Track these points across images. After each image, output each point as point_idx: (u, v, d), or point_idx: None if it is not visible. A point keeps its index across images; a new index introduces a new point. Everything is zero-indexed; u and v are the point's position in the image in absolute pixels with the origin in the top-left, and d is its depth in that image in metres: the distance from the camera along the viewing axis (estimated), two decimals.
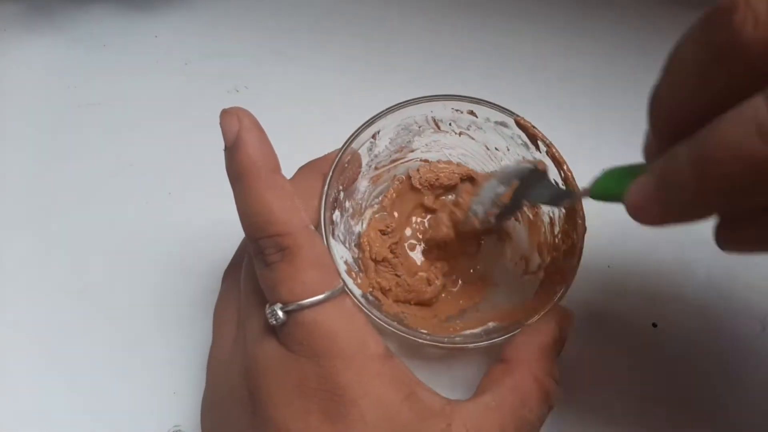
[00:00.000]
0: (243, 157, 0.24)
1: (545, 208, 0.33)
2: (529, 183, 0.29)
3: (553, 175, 0.31)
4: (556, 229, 0.32)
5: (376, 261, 0.33)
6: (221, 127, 0.24)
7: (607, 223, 0.36)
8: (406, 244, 0.36)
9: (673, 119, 0.20)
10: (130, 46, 0.45)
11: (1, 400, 0.33)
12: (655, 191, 0.19)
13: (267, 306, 0.24)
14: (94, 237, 0.38)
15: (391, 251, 0.34)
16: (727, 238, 0.21)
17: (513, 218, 0.34)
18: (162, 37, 0.45)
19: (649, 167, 0.20)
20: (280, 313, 0.23)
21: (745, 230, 0.20)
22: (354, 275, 0.31)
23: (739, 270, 0.35)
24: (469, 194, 0.32)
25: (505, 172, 0.30)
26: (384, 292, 0.32)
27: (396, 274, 0.34)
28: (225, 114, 0.24)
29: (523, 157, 0.33)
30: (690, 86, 0.18)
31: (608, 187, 0.23)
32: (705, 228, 0.36)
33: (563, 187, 0.30)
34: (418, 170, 0.35)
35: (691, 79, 0.18)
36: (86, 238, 0.38)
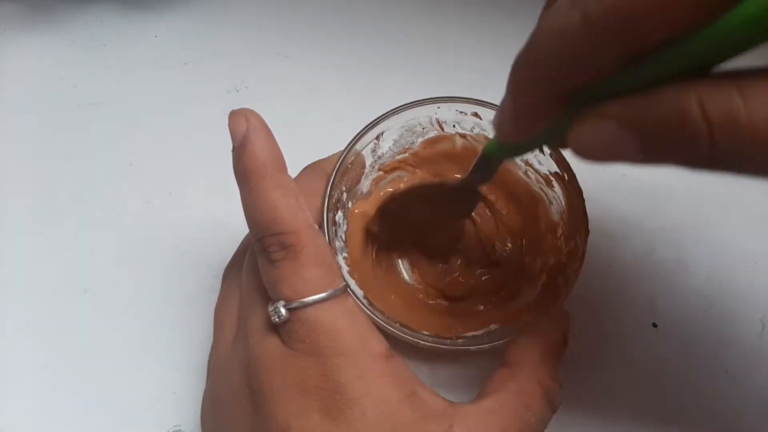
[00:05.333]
0: (250, 156, 0.24)
1: (552, 210, 0.33)
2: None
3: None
4: (559, 232, 0.32)
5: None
6: (229, 127, 0.24)
7: (606, 224, 0.37)
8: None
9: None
10: (130, 46, 0.45)
11: (0, 400, 0.33)
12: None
13: (270, 303, 0.24)
14: (94, 237, 0.38)
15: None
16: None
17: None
18: (162, 37, 0.45)
19: None
20: (283, 311, 0.23)
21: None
22: (356, 276, 0.31)
23: (739, 270, 0.36)
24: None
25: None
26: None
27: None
28: (233, 115, 0.24)
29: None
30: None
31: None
32: (705, 228, 0.37)
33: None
34: None
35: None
36: (86, 238, 0.37)
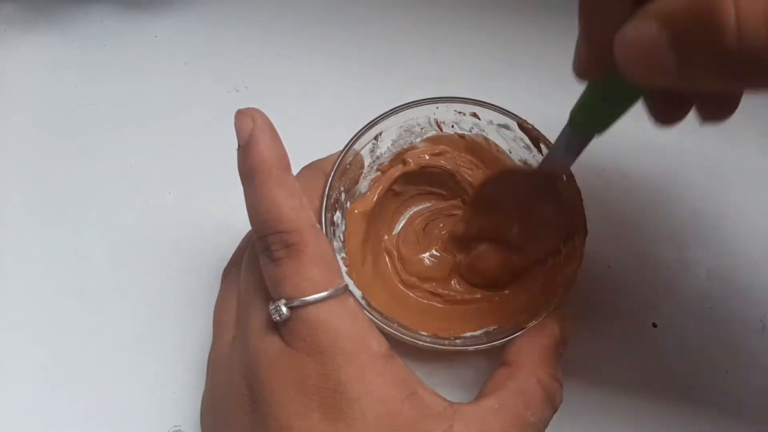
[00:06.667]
0: (255, 155, 0.24)
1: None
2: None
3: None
4: None
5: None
6: (236, 126, 0.24)
7: (606, 224, 0.37)
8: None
9: None
10: (130, 46, 0.45)
11: (0, 400, 0.33)
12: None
13: (271, 302, 0.24)
14: (94, 237, 0.38)
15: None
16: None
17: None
18: (162, 37, 0.45)
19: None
20: (284, 309, 0.23)
21: None
22: (354, 277, 0.31)
23: (739, 270, 0.36)
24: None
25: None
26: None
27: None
28: (239, 114, 0.25)
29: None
30: None
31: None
32: (705, 228, 0.37)
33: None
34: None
35: None
36: (86, 238, 0.38)
